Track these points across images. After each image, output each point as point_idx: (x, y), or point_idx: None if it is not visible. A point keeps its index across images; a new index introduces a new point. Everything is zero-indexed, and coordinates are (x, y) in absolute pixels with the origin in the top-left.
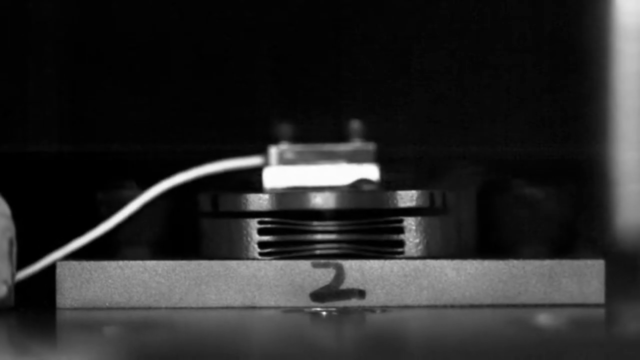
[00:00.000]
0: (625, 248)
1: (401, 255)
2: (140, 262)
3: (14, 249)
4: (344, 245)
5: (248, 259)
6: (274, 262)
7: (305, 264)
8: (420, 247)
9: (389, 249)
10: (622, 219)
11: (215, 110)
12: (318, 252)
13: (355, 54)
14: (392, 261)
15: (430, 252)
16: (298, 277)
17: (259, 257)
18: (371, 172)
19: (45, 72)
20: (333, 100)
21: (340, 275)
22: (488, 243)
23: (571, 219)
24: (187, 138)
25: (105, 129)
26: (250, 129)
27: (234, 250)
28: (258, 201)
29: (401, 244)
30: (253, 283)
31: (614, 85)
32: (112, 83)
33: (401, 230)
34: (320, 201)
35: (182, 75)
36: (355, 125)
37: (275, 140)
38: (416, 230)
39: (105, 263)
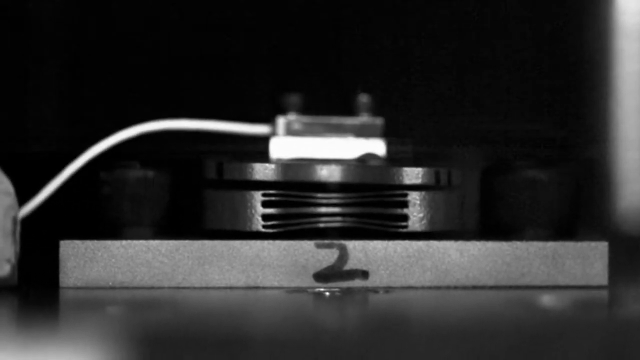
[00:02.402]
0: (628, 231)
1: (405, 230)
2: (143, 242)
3: (18, 228)
4: (348, 219)
5: (252, 231)
6: (278, 242)
7: (309, 245)
8: (424, 221)
9: (393, 222)
10: (624, 204)
11: (214, 110)
12: (322, 225)
13: (355, 54)
14: (396, 242)
15: (434, 227)
16: (302, 257)
17: (263, 230)
18: (378, 146)
19: (45, 72)
20: (333, 101)
21: (343, 255)
22: (491, 225)
23: (574, 201)
24: (186, 138)
25: (105, 128)
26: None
27: (237, 223)
28: (264, 171)
29: (405, 218)
30: (256, 263)
31: (614, 85)
32: (113, 83)
33: (405, 205)
34: (325, 173)
35: (182, 75)
36: (363, 99)
37: (283, 111)
38: (420, 205)
39: (108, 242)
